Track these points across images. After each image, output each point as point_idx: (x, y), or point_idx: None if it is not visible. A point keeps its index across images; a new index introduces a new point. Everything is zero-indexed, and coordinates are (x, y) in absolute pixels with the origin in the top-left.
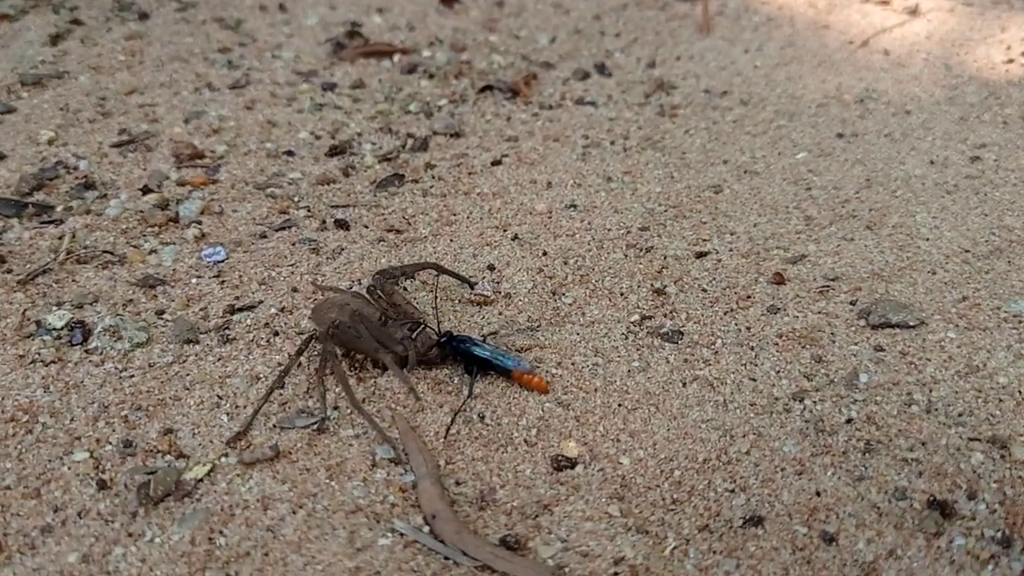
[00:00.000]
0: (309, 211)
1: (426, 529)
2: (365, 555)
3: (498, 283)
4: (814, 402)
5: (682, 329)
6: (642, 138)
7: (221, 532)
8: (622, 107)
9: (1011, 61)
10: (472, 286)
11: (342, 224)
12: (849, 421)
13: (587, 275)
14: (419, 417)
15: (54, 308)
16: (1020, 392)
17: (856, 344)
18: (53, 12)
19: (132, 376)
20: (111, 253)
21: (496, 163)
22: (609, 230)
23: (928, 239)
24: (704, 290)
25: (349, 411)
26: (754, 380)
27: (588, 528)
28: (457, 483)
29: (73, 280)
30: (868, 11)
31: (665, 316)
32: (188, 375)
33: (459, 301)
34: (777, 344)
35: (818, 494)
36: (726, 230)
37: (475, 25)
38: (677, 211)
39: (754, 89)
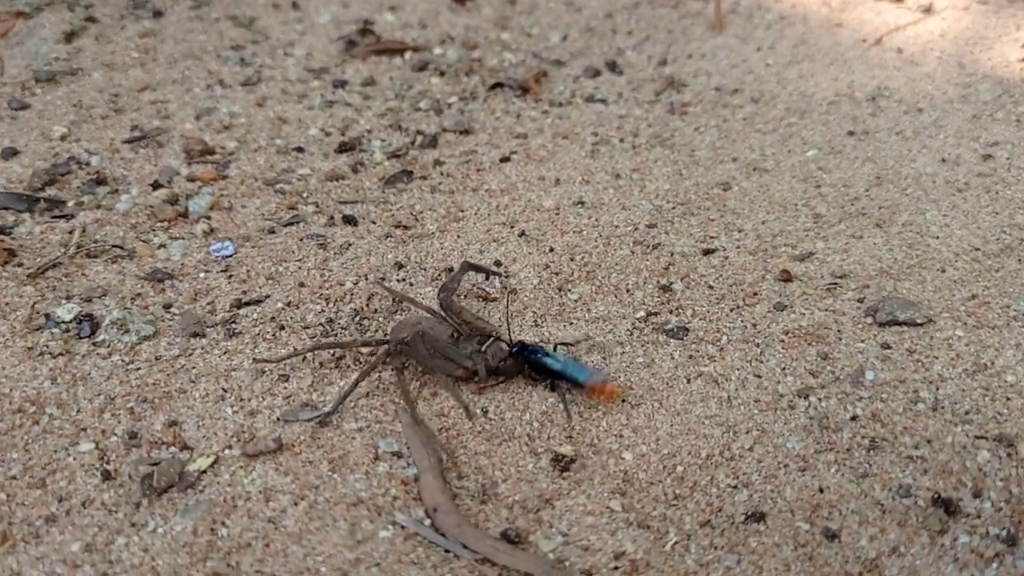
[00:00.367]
0: (317, 207)
1: (427, 522)
2: (365, 547)
3: (506, 278)
4: (819, 399)
5: (687, 325)
6: (652, 135)
7: (223, 523)
8: (632, 104)
9: None
10: (498, 274)
11: (350, 220)
12: (854, 418)
13: (593, 271)
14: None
15: (63, 301)
16: None
17: (863, 342)
18: (68, 10)
19: (138, 369)
20: (121, 247)
21: (505, 160)
22: (616, 227)
23: (938, 237)
24: (710, 287)
25: (352, 405)
26: (759, 377)
27: (589, 522)
28: (459, 477)
29: (82, 274)
30: (882, 9)
31: (671, 312)
32: (194, 368)
33: (464, 297)
34: (783, 341)
35: (821, 491)
36: (734, 227)
37: (487, 23)
38: (685, 208)
39: (765, 87)
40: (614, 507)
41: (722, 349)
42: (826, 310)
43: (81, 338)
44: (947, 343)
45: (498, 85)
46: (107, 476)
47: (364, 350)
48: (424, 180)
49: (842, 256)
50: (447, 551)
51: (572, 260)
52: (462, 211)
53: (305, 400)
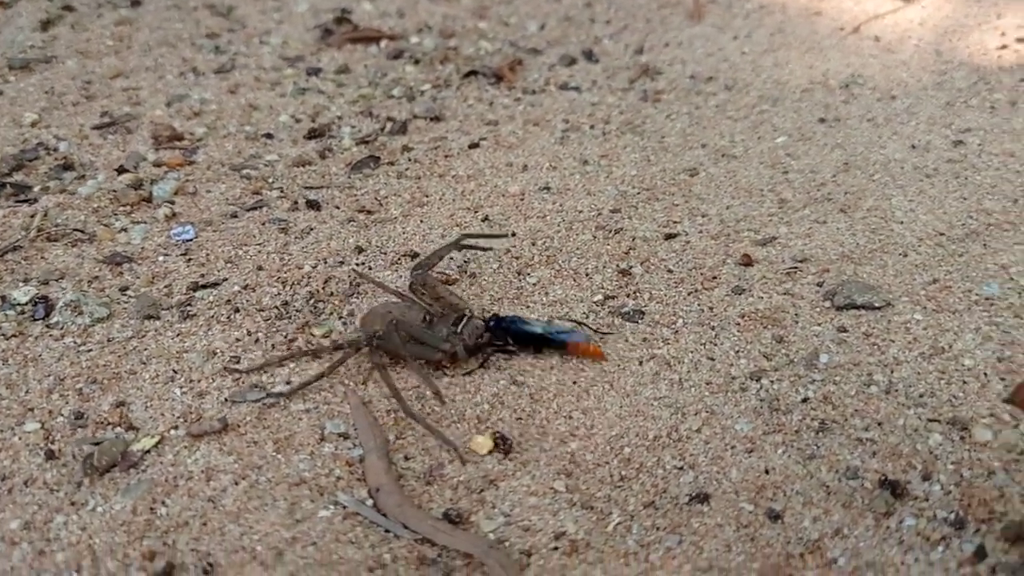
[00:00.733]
0: (282, 192)
1: (369, 502)
2: (303, 526)
3: (465, 262)
4: (771, 382)
5: (644, 309)
6: (623, 123)
7: (163, 502)
8: (606, 92)
9: (1005, 47)
10: (504, 236)
11: (313, 205)
12: (805, 400)
13: (554, 256)
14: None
15: (20, 284)
16: (986, 374)
17: (819, 325)
18: None
19: (90, 350)
20: (82, 231)
21: (474, 146)
22: (580, 212)
23: (903, 222)
24: (670, 271)
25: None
26: (712, 359)
27: (532, 503)
28: (406, 458)
29: (42, 257)
30: None
31: (628, 296)
32: (145, 350)
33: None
34: (739, 324)
35: (767, 472)
36: (698, 212)
37: (465, 12)
38: (650, 194)
39: (739, 75)
40: (558, 488)
41: (677, 332)
42: (785, 294)
43: (35, 320)
44: (905, 327)
45: (472, 73)
46: (51, 456)
47: (317, 332)
48: (391, 166)
49: (804, 241)
50: (387, 531)
51: (534, 245)
52: (427, 196)
53: (255, 382)
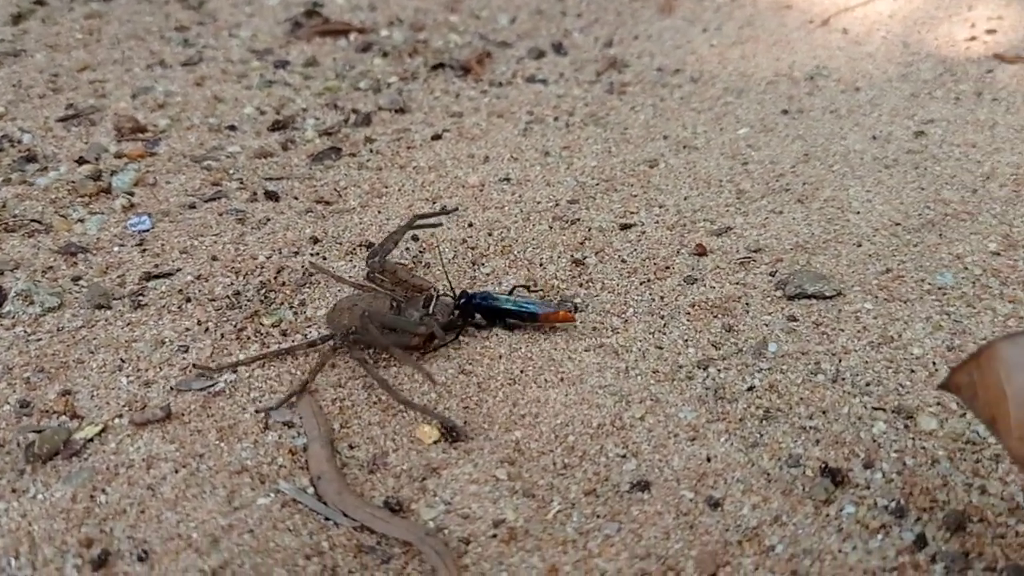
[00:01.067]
0: (242, 183)
1: (311, 490)
2: (240, 513)
3: (420, 252)
4: (718, 370)
5: (595, 298)
6: (587, 115)
7: (103, 490)
8: (572, 85)
9: (973, 39)
10: (452, 211)
11: (272, 195)
12: (751, 389)
13: (510, 246)
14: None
15: None
16: (934, 363)
17: (770, 314)
18: None
19: (39, 340)
20: (39, 222)
21: (436, 138)
22: (538, 203)
23: (859, 212)
24: (624, 261)
25: (248, 375)
26: (660, 348)
27: (472, 491)
28: (350, 447)
29: None
30: None
31: (580, 286)
32: (95, 339)
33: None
34: (689, 314)
35: (708, 460)
36: (655, 203)
37: (437, 5)
38: (609, 184)
39: (706, 67)
40: (500, 476)
41: (626, 321)
42: (737, 283)
43: None
44: (855, 316)
45: (440, 66)
46: None
47: (267, 322)
48: (353, 157)
49: (759, 231)
50: (327, 519)
51: (490, 235)
52: (386, 187)
53: (202, 371)
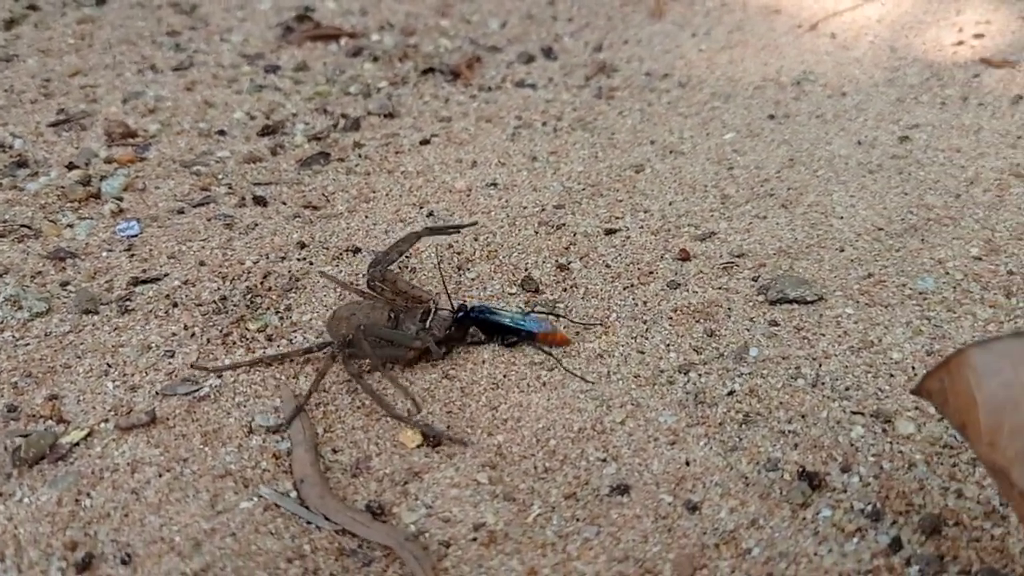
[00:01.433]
0: (231, 188)
1: (293, 494)
2: (223, 517)
3: (407, 257)
4: (699, 375)
5: (579, 303)
6: (575, 119)
7: (88, 494)
8: (561, 89)
9: (961, 43)
10: (467, 226)
11: (260, 200)
12: (731, 393)
13: (495, 251)
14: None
15: None
16: (913, 368)
17: (751, 319)
18: None
19: (27, 344)
20: (28, 227)
21: (425, 143)
22: (525, 208)
23: (842, 217)
24: (608, 266)
25: (232, 380)
26: (642, 353)
27: (453, 495)
28: (334, 451)
29: None
30: None
31: (564, 291)
32: (82, 344)
33: (362, 275)
34: (671, 318)
35: (687, 464)
36: (640, 208)
37: (428, 10)
38: (595, 190)
39: (694, 72)
40: (481, 480)
41: (609, 326)
42: (719, 288)
43: None
44: (836, 321)
45: (430, 70)
46: None
47: (252, 327)
48: (341, 162)
49: (743, 236)
50: (308, 522)
51: (476, 240)
52: (374, 192)
53: (187, 375)
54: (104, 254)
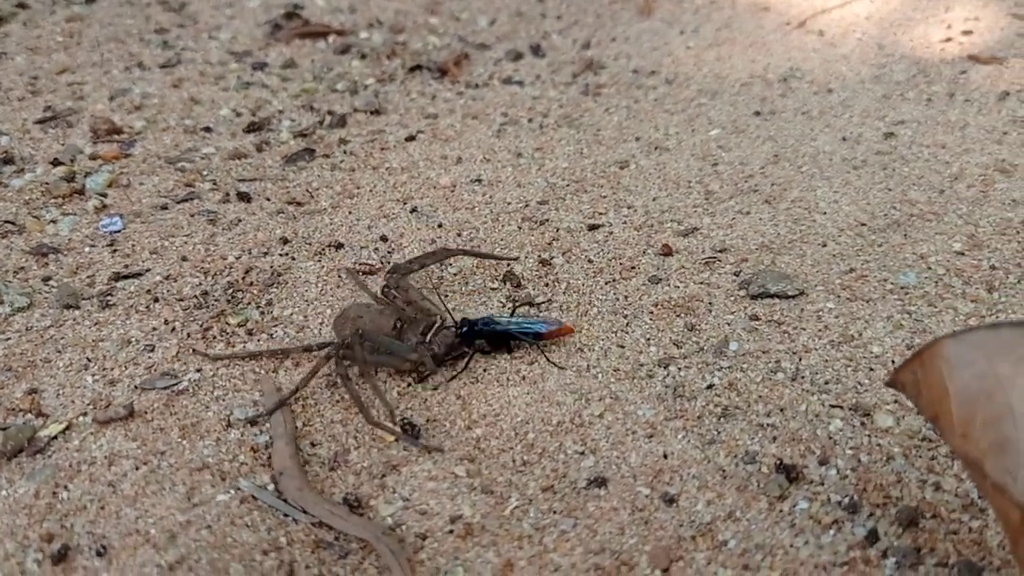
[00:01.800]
0: (215, 184)
1: (271, 487)
2: (199, 510)
3: (389, 253)
4: (679, 369)
5: (560, 297)
6: (561, 116)
7: (65, 487)
8: (548, 86)
9: (949, 40)
10: (512, 260)
11: (244, 196)
12: (710, 387)
13: (478, 246)
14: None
15: None
16: (893, 362)
17: (732, 314)
18: None
19: (8, 339)
20: (12, 223)
21: (410, 139)
22: (509, 203)
23: (825, 213)
24: (590, 261)
25: (212, 373)
26: (622, 347)
27: (431, 488)
28: (312, 444)
29: None
30: None
31: (546, 285)
32: (62, 339)
33: (341, 271)
34: (652, 313)
35: (665, 456)
36: (624, 204)
37: (417, 7)
38: (579, 186)
39: (681, 69)
40: (459, 473)
41: (590, 321)
42: (701, 283)
43: None
44: (816, 315)
45: (417, 68)
46: None
47: (232, 321)
48: (326, 158)
49: (726, 231)
50: (285, 515)
51: (459, 236)
52: (358, 188)
53: (166, 370)
54: (87, 249)
